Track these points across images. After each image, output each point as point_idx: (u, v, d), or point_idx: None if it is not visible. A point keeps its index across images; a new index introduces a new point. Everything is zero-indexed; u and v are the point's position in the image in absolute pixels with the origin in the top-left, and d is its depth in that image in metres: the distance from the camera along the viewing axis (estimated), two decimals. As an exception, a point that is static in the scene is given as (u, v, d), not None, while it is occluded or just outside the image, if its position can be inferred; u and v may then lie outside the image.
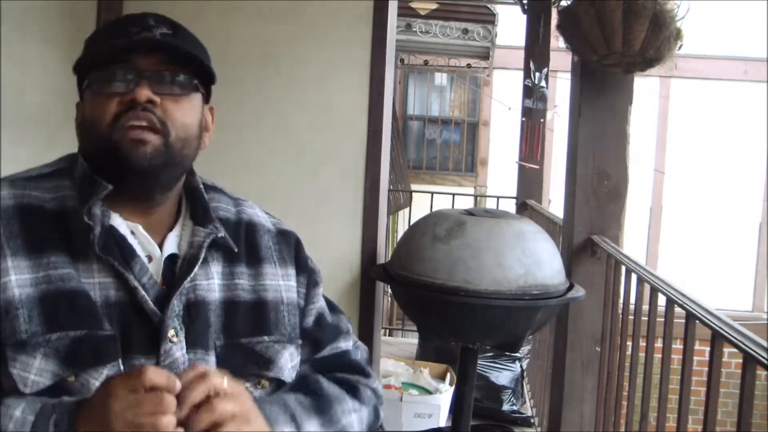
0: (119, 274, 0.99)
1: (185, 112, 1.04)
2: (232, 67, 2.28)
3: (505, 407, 3.66)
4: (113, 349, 0.96)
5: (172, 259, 1.05)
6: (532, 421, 3.69)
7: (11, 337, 0.93)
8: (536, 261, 1.94)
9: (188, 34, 1.07)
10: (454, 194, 5.95)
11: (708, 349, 1.48)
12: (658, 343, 1.82)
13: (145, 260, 1.03)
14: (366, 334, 2.30)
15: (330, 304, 1.24)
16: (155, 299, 1.00)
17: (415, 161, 9.39)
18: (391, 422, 3.42)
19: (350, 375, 1.19)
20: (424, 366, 3.90)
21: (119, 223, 1.03)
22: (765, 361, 1.23)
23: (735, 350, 1.35)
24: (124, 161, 0.99)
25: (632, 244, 7.36)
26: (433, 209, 3.12)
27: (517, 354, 3.72)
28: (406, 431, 3.42)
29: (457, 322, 2.00)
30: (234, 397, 0.92)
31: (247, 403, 0.94)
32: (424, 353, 4.22)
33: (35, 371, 0.93)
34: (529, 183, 4.90)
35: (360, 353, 1.24)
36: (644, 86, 4.77)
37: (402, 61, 7.66)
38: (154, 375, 0.86)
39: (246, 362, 1.06)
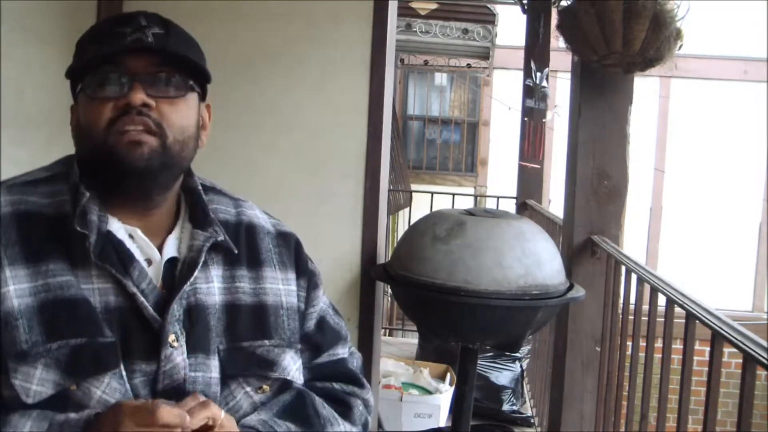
0: (118, 280, 0.98)
1: (181, 114, 1.03)
2: (231, 66, 2.28)
3: (505, 407, 3.66)
4: (114, 356, 0.96)
5: (172, 262, 1.05)
6: (532, 421, 3.69)
7: (12, 347, 0.93)
8: (536, 261, 1.94)
9: (181, 32, 1.06)
10: (454, 194, 5.95)
11: (708, 349, 1.48)
12: (658, 343, 1.82)
13: (144, 264, 1.02)
14: (366, 334, 2.29)
15: (332, 308, 1.23)
16: (155, 304, 0.99)
17: (415, 161, 9.39)
18: (391, 422, 3.42)
19: (345, 385, 1.19)
20: (424, 366, 3.90)
21: (117, 227, 1.02)
22: (765, 361, 1.23)
23: (735, 350, 1.35)
24: (121, 164, 0.98)
25: (632, 244, 7.35)
26: (433, 209, 3.12)
27: (517, 354, 3.73)
28: (406, 431, 3.42)
29: (457, 322, 2.00)
30: (230, 429, 0.94)
31: None
32: (424, 353, 4.22)
33: (37, 381, 0.93)
34: (529, 183, 4.90)
35: (356, 361, 1.24)
36: (644, 86, 4.77)
37: (402, 61, 7.66)
38: (168, 415, 0.86)
39: (248, 365, 1.05)
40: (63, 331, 0.94)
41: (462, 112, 9.46)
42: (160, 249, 1.04)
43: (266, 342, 1.07)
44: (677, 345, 1.67)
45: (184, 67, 1.03)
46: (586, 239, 2.50)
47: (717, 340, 1.47)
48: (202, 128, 1.09)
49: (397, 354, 4.35)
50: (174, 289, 1.01)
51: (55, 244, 0.98)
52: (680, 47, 2.26)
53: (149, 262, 1.03)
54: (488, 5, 6.06)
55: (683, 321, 1.64)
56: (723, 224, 8.39)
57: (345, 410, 1.16)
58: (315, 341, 1.16)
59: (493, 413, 3.63)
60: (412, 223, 2.27)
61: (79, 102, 1.05)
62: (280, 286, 1.12)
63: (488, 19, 6.17)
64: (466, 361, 2.14)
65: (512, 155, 5.58)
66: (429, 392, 3.67)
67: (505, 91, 8.40)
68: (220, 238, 1.07)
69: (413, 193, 6.78)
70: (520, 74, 5.01)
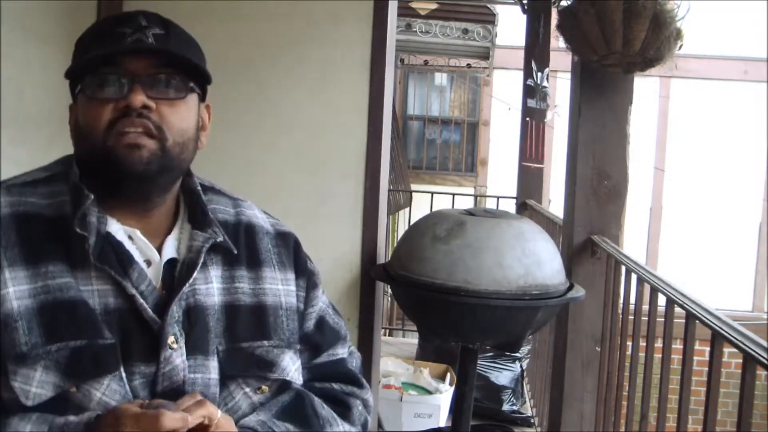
0: (117, 282, 0.98)
1: (181, 116, 1.02)
2: (232, 66, 2.28)
3: (505, 407, 3.66)
4: (114, 358, 0.95)
5: (171, 263, 1.04)
6: (532, 421, 3.69)
7: (11, 350, 0.92)
8: (536, 261, 1.94)
9: (181, 33, 1.05)
10: (454, 194, 5.95)
11: (708, 349, 1.48)
12: (658, 343, 1.82)
13: (144, 266, 1.01)
14: (366, 334, 2.29)
15: (331, 308, 1.23)
16: (154, 306, 0.99)
17: (415, 161, 9.39)
18: (391, 422, 3.42)
19: (345, 386, 1.19)
20: (424, 366, 3.90)
21: (116, 229, 1.01)
22: (765, 361, 1.23)
23: (735, 350, 1.35)
24: (120, 166, 0.98)
25: (632, 244, 7.35)
26: (433, 209, 3.12)
27: (517, 354, 3.73)
28: (406, 431, 3.42)
29: (457, 322, 2.00)
30: (227, 429, 0.94)
31: None
32: (424, 353, 4.22)
33: (36, 383, 0.92)
34: (529, 183, 4.90)
35: (355, 361, 1.23)
36: (644, 86, 4.77)
37: (402, 61, 7.66)
38: (171, 421, 0.87)
39: (247, 366, 1.05)
40: (62, 333, 0.94)
41: (462, 112, 9.46)
42: (159, 250, 1.04)
43: (265, 342, 1.07)
44: (677, 345, 1.67)
45: (185, 68, 1.03)
46: (586, 239, 2.50)
47: (717, 340, 1.47)
48: (201, 129, 1.09)
49: (397, 354, 4.34)
50: (173, 290, 1.01)
51: (54, 246, 0.98)
52: (680, 47, 2.26)
53: (149, 263, 1.03)
54: (488, 5, 6.06)
55: (683, 321, 1.64)
56: (723, 224, 8.39)
57: (344, 410, 1.16)
58: (314, 341, 1.16)
59: (493, 413, 3.63)
60: (412, 223, 2.27)
61: (78, 102, 1.04)
62: (279, 287, 1.12)
63: (488, 19, 6.17)
64: (466, 361, 2.14)
65: (512, 155, 5.58)
66: (429, 392, 3.67)
67: (505, 91, 8.41)
68: (219, 238, 1.06)
69: (413, 193, 6.78)
70: (520, 74, 5.01)
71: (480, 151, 9.26)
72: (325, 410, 1.12)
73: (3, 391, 0.93)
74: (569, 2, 2.39)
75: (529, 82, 4.51)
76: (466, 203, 6.79)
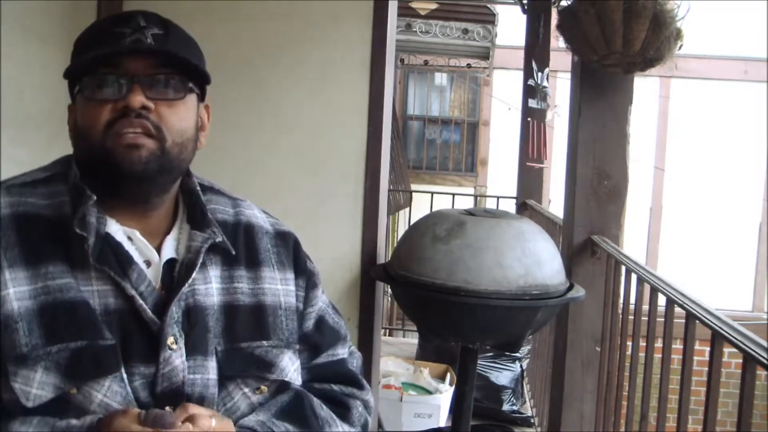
0: (117, 282, 0.98)
1: (180, 117, 1.02)
2: (232, 66, 2.28)
3: (505, 407, 3.66)
4: (114, 359, 0.95)
5: (170, 263, 1.04)
6: (532, 421, 3.69)
7: (11, 351, 0.92)
8: (536, 261, 1.94)
9: (181, 33, 1.05)
10: (454, 194, 5.95)
11: (708, 349, 1.48)
12: (658, 343, 1.82)
13: (143, 266, 1.01)
14: (366, 334, 2.29)
15: (331, 307, 1.23)
16: (154, 306, 0.99)
17: (415, 161, 9.39)
18: (391, 422, 3.42)
19: (345, 386, 1.18)
20: (424, 366, 3.90)
21: (115, 229, 1.01)
22: (765, 361, 1.23)
23: (735, 350, 1.35)
24: (119, 167, 0.97)
25: (632, 244, 7.35)
26: (433, 209, 3.12)
27: (517, 354, 3.73)
28: (406, 431, 3.42)
29: (457, 322, 2.00)
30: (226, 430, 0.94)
31: None
32: (424, 353, 4.22)
33: (37, 385, 0.92)
34: (529, 183, 4.90)
35: (355, 361, 1.23)
36: (644, 86, 4.76)
37: (402, 61, 7.66)
38: None
39: (246, 366, 1.05)
40: (63, 334, 0.94)
41: (462, 112, 9.46)
42: (158, 250, 1.04)
43: (264, 343, 1.07)
44: (677, 345, 1.67)
45: (184, 68, 1.02)
46: (586, 239, 2.50)
47: (717, 340, 1.47)
48: (200, 129, 1.09)
49: (397, 354, 4.34)
50: (173, 291, 1.01)
51: (54, 246, 0.98)
52: (680, 47, 2.26)
53: (148, 263, 1.02)
54: (488, 5, 6.06)
55: (683, 321, 1.64)
56: (723, 224, 8.39)
57: (343, 411, 1.15)
58: (314, 341, 1.16)
59: (493, 413, 3.63)
60: (412, 223, 2.27)
61: (77, 103, 1.03)
62: (279, 286, 1.12)
63: (488, 19, 6.17)
64: (466, 361, 2.14)
65: (512, 155, 5.58)
66: (429, 392, 3.67)
67: (505, 91, 8.41)
68: (218, 239, 1.06)
69: (413, 193, 6.78)
70: (520, 74, 5.01)
71: (480, 151, 9.26)
72: (324, 411, 1.12)
73: (3, 392, 0.92)
74: (569, 2, 2.39)
75: (530, 82, 4.51)
76: (466, 203, 6.79)
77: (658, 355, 1.80)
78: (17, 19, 1.96)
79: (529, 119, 4.50)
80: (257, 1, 2.31)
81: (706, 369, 1.48)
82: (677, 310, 1.70)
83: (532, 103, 4.40)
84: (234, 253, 1.09)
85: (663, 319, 1.75)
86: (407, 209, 6.56)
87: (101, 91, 0.99)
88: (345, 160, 2.29)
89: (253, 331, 1.07)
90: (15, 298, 0.94)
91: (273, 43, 2.31)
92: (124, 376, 0.96)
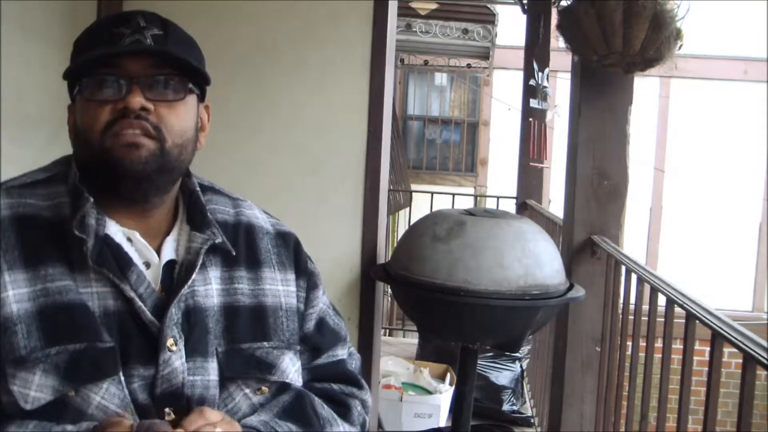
0: (116, 284, 0.97)
1: (180, 117, 1.01)
2: (231, 67, 2.28)
3: (505, 407, 3.66)
4: (113, 362, 0.95)
5: (170, 264, 1.04)
6: (532, 421, 3.69)
7: (10, 353, 0.92)
8: (536, 261, 1.94)
9: (180, 33, 1.04)
10: (454, 194, 5.95)
11: (708, 349, 1.48)
12: (658, 343, 1.82)
13: (143, 268, 1.01)
14: (366, 334, 2.29)
15: (332, 308, 1.23)
16: (153, 308, 0.98)
17: (415, 161, 9.39)
18: (391, 422, 3.42)
19: (344, 386, 1.18)
20: (424, 366, 3.90)
21: (115, 231, 1.01)
22: (765, 361, 1.23)
23: (735, 350, 1.35)
24: (118, 167, 0.97)
25: (632, 244, 7.35)
26: (433, 209, 3.12)
27: (517, 354, 3.73)
28: (406, 431, 3.42)
29: (457, 322, 2.00)
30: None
31: None
32: (424, 353, 4.22)
33: (35, 387, 0.92)
34: (529, 183, 4.90)
35: (354, 363, 1.23)
36: (644, 86, 4.77)
37: (402, 61, 7.65)
38: None
39: (247, 367, 1.05)
40: (62, 337, 0.94)
41: (462, 112, 9.46)
42: (158, 251, 1.03)
43: (265, 344, 1.07)
44: (677, 345, 1.67)
45: (183, 69, 1.02)
46: (586, 239, 2.50)
47: (717, 340, 1.47)
48: (200, 130, 1.08)
49: (397, 354, 4.34)
50: (173, 292, 1.01)
51: (53, 248, 0.97)
52: (680, 47, 2.26)
53: (147, 265, 1.02)
54: (488, 5, 6.05)
55: (683, 321, 1.63)
56: (723, 224, 8.38)
57: (344, 411, 1.16)
58: (314, 342, 1.16)
59: (493, 413, 3.63)
60: (412, 223, 2.27)
61: (76, 103, 1.03)
62: (279, 287, 1.11)
63: (488, 19, 6.17)
64: (466, 361, 2.14)
65: (512, 155, 5.58)
66: (429, 392, 3.66)
67: (505, 91, 8.41)
68: (218, 240, 1.06)
69: (413, 193, 6.78)
70: (520, 74, 5.01)
71: (480, 151, 9.26)
72: (325, 410, 1.12)
73: (2, 394, 0.92)
74: (569, 2, 2.38)
75: (531, 82, 4.51)
76: (466, 203, 6.79)
77: (658, 355, 1.80)
78: (17, 19, 1.95)
79: (530, 119, 4.50)
80: (257, 1, 2.31)
81: (706, 369, 1.48)
82: (677, 310, 1.70)
83: (533, 103, 4.40)
84: (234, 253, 1.08)
85: (663, 319, 1.75)
86: (407, 209, 6.56)
87: (101, 91, 0.99)
88: (345, 160, 2.29)
89: (254, 332, 1.06)
90: (14, 300, 0.94)
91: (273, 43, 2.30)
92: (122, 378, 0.95)
